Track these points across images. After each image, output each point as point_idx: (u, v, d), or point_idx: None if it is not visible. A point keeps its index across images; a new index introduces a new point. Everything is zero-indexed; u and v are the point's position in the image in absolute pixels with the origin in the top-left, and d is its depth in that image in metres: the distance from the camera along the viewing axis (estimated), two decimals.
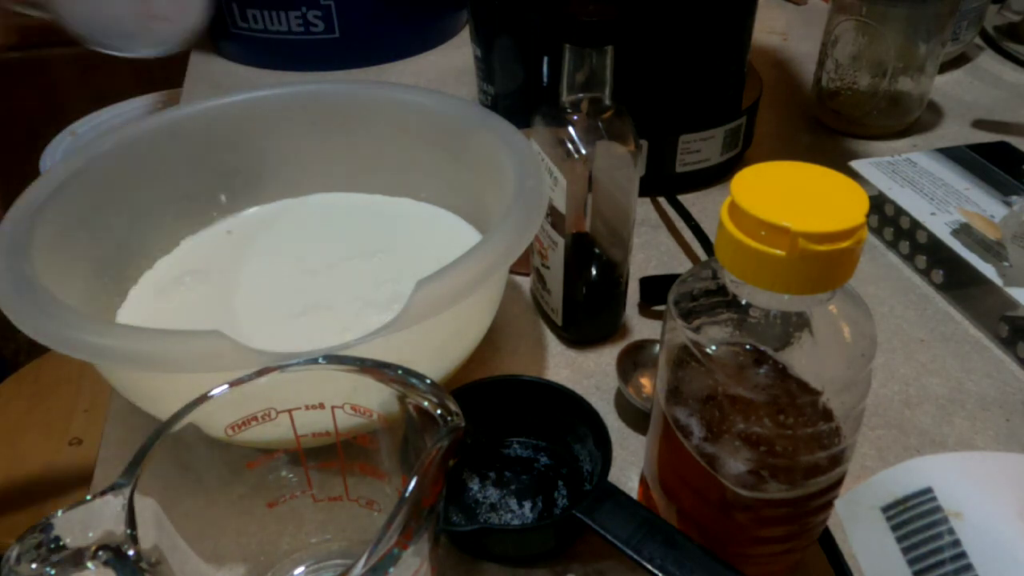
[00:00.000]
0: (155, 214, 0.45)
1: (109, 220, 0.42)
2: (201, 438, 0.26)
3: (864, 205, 0.24)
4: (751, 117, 0.59)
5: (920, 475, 0.33)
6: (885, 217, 0.53)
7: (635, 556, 0.29)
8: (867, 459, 0.39)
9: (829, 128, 0.66)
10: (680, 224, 0.54)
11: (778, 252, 0.24)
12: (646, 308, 0.48)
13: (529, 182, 0.38)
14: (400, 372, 0.26)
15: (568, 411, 0.38)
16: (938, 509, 0.32)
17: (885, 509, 0.33)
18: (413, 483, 0.23)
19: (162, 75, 1.09)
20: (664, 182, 0.57)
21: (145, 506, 0.23)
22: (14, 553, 0.22)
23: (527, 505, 0.36)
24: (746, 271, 0.25)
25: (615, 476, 0.38)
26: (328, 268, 0.44)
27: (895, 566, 0.31)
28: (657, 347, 0.41)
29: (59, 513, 0.22)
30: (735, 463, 0.28)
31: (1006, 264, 0.45)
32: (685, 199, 0.56)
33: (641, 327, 0.47)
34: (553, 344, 0.46)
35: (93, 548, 0.22)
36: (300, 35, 0.74)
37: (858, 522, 0.33)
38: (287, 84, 0.49)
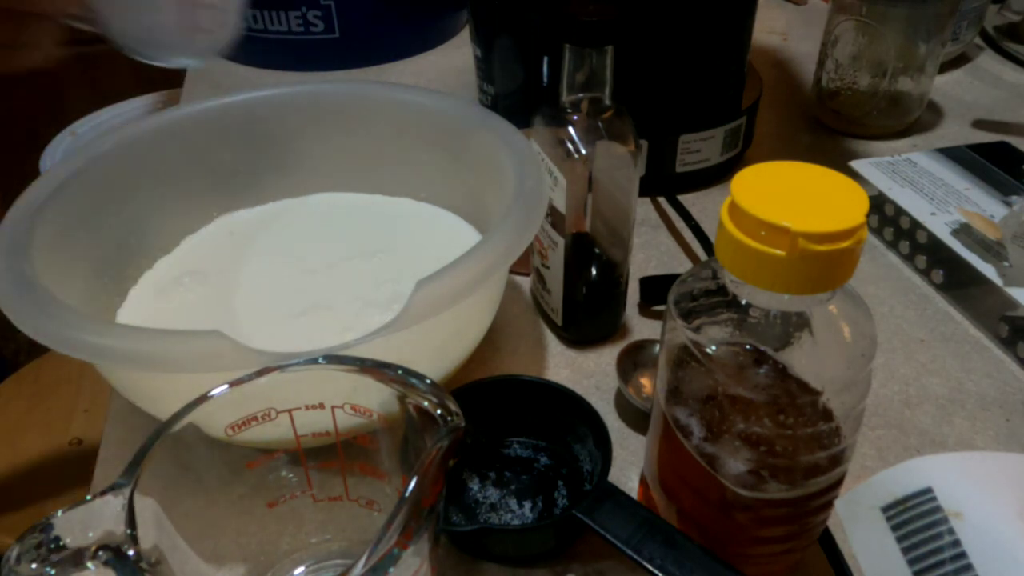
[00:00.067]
0: (155, 214, 0.45)
1: (109, 220, 0.42)
2: (201, 438, 0.26)
3: (864, 205, 0.24)
4: (751, 117, 0.59)
5: (920, 475, 0.33)
6: (885, 217, 0.53)
7: (635, 556, 0.29)
8: (867, 459, 0.39)
9: (829, 128, 0.66)
10: (680, 224, 0.54)
11: (778, 252, 0.24)
12: (646, 308, 0.48)
13: (529, 182, 0.38)
14: (400, 372, 0.26)
15: (568, 411, 0.38)
16: (938, 509, 0.32)
17: (885, 509, 0.33)
18: (413, 483, 0.23)
19: (162, 75, 1.09)
20: (664, 182, 0.57)
21: (145, 506, 0.23)
22: (14, 553, 0.22)
23: (527, 505, 0.36)
24: (746, 271, 0.25)
25: (615, 476, 0.38)
26: (328, 268, 0.44)
27: (895, 566, 0.31)
28: (657, 347, 0.41)
29: (59, 513, 0.22)
30: (735, 463, 0.28)
31: (1006, 264, 0.45)
32: (685, 199, 0.56)
33: (641, 327, 0.47)
34: (553, 344, 0.46)
35: (93, 548, 0.22)
36: (300, 35, 0.74)
37: (858, 522, 0.33)
38: (287, 84, 0.49)
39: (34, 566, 0.21)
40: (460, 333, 0.38)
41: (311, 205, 0.50)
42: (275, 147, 0.49)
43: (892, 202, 0.51)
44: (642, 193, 0.49)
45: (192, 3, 0.46)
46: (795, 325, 0.26)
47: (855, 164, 0.55)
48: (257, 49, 0.76)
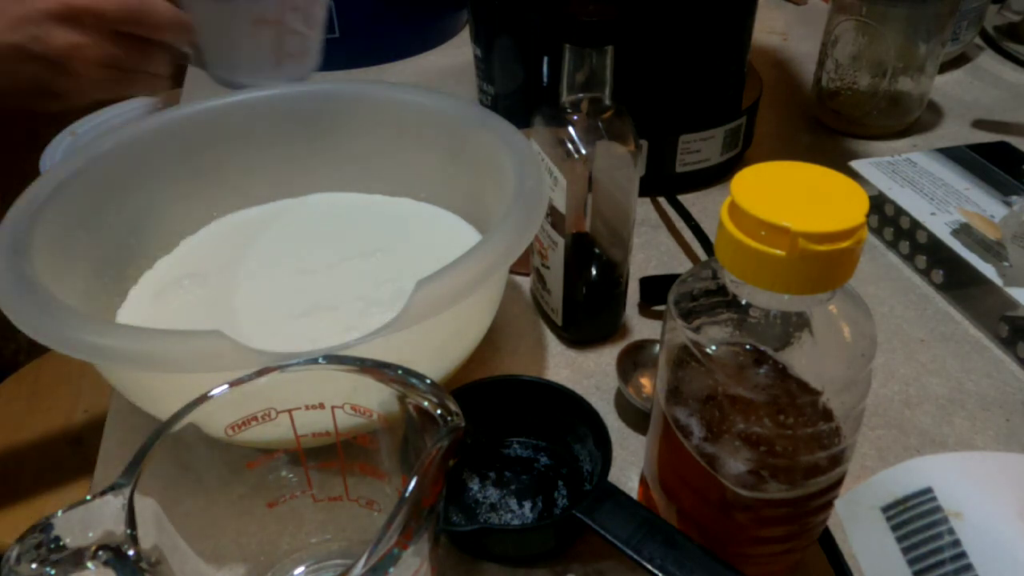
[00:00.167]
0: (155, 214, 0.45)
1: (109, 220, 0.42)
2: (201, 438, 0.26)
3: (864, 205, 0.24)
4: (751, 117, 0.59)
5: (920, 475, 0.33)
6: (885, 217, 0.53)
7: (635, 556, 0.29)
8: (867, 459, 0.39)
9: (829, 128, 0.66)
10: (680, 224, 0.54)
11: (778, 252, 0.24)
12: (646, 308, 0.48)
13: (529, 182, 0.38)
14: (400, 372, 0.26)
15: (568, 411, 0.38)
16: (938, 509, 0.32)
17: (885, 509, 0.33)
18: (413, 483, 0.23)
19: None
20: (664, 182, 0.57)
21: (145, 506, 0.23)
22: (14, 553, 0.22)
23: (527, 505, 0.36)
24: (746, 271, 0.25)
25: (615, 476, 0.38)
26: (328, 268, 0.44)
27: (895, 566, 0.31)
28: (657, 347, 0.41)
29: (59, 513, 0.22)
30: (735, 463, 0.28)
31: (1006, 264, 0.45)
32: (685, 199, 0.56)
33: (641, 327, 0.47)
34: (553, 344, 0.46)
35: (93, 548, 0.22)
36: None
37: (858, 522, 0.33)
38: (287, 84, 0.49)
39: (34, 566, 0.21)
40: (460, 333, 0.38)
41: (311, 205, 0.50)
42: (275, 147, 0.49)
43: (892, 202, 0.51)
44: (642, 193, 0.49)
45: (280, 31, 0.47)
46: (795, 325, 0.26)
47: (855, 164, 0.55)
48: None
